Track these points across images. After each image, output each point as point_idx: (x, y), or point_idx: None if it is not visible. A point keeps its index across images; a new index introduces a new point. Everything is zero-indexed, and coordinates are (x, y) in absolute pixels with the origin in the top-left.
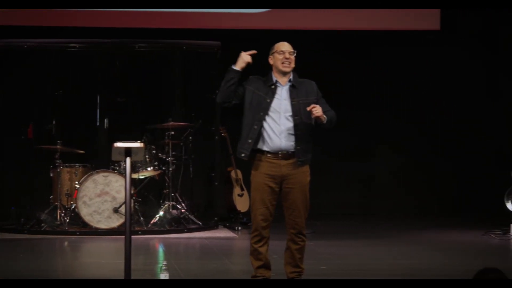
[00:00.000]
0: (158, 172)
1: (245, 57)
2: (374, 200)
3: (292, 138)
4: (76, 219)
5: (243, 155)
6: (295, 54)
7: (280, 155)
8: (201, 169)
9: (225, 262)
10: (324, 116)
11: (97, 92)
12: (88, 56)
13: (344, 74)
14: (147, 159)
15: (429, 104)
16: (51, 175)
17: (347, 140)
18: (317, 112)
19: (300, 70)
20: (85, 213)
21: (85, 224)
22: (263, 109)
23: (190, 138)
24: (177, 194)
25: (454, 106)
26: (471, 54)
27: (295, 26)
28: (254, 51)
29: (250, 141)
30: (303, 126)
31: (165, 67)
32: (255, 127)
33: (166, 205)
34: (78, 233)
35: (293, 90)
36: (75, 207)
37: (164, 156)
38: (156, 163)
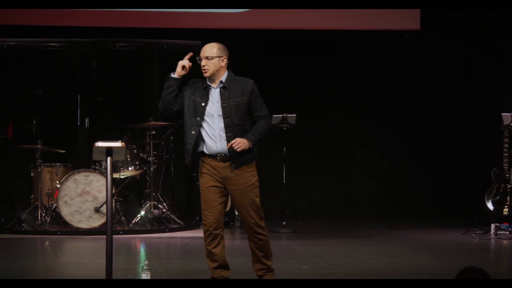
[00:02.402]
0: (139, 171)
1: (180, 62)
2: (354, 200)
3: (226, 140)
4: (57, 219)
5: (186, 161)
6: (215, 58)
7: (218, 158)
8: (182, 169)
9: (206, 261)
10: (248, 142)
11: (77, 91)
12: (68, 56)
13: (323, 74)
14: (128, 159)
15: (407, 104)
16: (32, 174)
17: (326, 140)
18: (238, 148)
19: (279, 70)
20: (66, 212)
21: (66, 224)
22: (199, 113)
23: (171, 137)
24: (158, 193)
25: (433, 106)
26: (447, 54)
27: (276, 26)
28: (190, 54)
29: (189, 146)
30: (234, 127)
31: (145, 66)
32: (193, 132)
33: (147, 205)
34: (59, 232)
35: (225, 92)
36: (56, 206)
37: (145, 156)
38: (137, 162)
